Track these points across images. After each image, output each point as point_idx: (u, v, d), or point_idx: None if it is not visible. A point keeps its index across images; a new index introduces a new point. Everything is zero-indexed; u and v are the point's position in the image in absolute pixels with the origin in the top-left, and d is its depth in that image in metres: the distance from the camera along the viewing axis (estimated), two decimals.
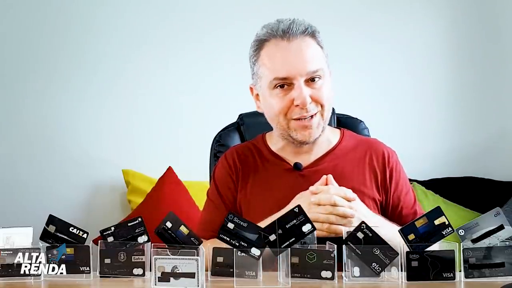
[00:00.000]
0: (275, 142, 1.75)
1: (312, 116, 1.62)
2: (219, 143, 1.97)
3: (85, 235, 1.39)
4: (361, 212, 1.54)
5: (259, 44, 1.66)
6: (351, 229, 1.35)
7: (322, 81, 1.63)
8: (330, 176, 1.58)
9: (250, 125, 1.98)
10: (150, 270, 1.28)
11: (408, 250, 1.32)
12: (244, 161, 1.74)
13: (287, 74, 1.60)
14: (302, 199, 1.55)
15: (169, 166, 3.00)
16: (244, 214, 1.66)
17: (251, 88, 1.74)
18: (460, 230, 1.33)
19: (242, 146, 1.81)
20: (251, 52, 1.69)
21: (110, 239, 1.37)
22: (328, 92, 1.65)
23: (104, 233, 1.37)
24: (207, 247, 1.35)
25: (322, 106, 1.63)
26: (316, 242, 1.37)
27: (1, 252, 1.34)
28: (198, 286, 1.25)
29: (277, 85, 1.62)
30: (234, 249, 1.31)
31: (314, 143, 1.69)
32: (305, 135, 1.64)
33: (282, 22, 1.64)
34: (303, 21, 1.65)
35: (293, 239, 1.33)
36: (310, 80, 1.61)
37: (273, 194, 1.65)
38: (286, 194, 1.65)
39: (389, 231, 1.43)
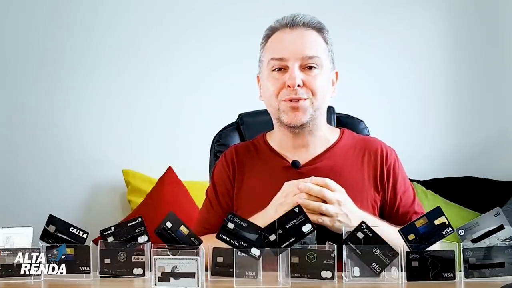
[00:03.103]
0: (275, 139, 1.76)
1: (300, 99, 1.64)
2: (219, 143, 1.97)
3: (85, 235, 1.39)
4: (348, 208, 1.53)
5: (268, 33, 1.72)
6: (351, 229, 1.35)
7: (319, 71, 1.66)
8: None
9: (250, 125, 1.98)
10: (150, 270, 1.28)
11: (408, 250, 1.32)
12: (243, 159, 1.76)
13: (282, 54, 1.65)
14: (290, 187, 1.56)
15: (169, 166, 3.00)
16: (241, 211, 1.66)
17: (257, 78, 1.78)
18: (460, 230, 1.33)
19: (242, 145, 1.83)
20: (261, 41, 1.74)
21: (110, 239, 1.37)
22: (323, 85, 1.67)
23: (104, 233, 1.38)
24: (206, 247, 1.35)
25: (313, 94, 1.65)
26: (316, 242, 1.37)
27: (1, 252, 1.34)
28: (198, 286, 1.25)
29: (274, 67, 1.67)
30: (234, 249, 1.31)
31: (311, 136, 1.70)
32: (291, 116, 1.65)
33: (292, 14, 1.70)
34: (312, 17, 1.70)
35: (293, 239, 1.34)
36: (307, 68, 1.65)
37: (270, 192, 1.64)
38: None
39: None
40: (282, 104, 1.66)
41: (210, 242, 1.38)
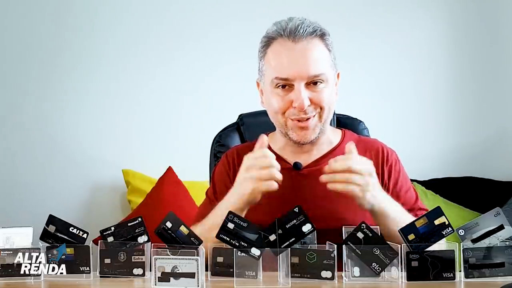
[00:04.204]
0: (276, 141, 1.75)
1: (309, 118, 1.63)
2: (219, 143, 1.97)
3: (85, 235, 1.39)
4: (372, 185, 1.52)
5: (267, 41, 1.65)
6: (351, 229, 1.35)
7: (324, 85, 1.62)
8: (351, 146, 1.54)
9: (250, 125, 1.98)
10: (150, 270, 1.28)
11: (408, 250, 1.32)
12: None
13: (288, 75, 1.60)
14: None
15: (169, 166, 3.00)
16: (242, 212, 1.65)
17: (257, 83, 1.74)
18: (460, 230, 1.33)
19: (243, 146, 1.82)
20: (259, 48, 1.69)
21: (110, 239, 1.37)
22: (329, 96, 1.64)
23: (104, 233, 1.38)
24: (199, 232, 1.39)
25: (321, 108, 1.63)
26: (316, 242, 1.37)
27: (1, 252, 1.34)
28: (198, 286, 1.25)
29: (279, 84, 1.62)
30: (234, 249, 1.31)
31: (315, 143, 1.70)
32: (301, 135, 1.65)
33: (291, 21, 1.62)
34: (313, 23, 1.63)
35: (293, 239, 1.34)
36: (312, 84, 1.61)
37: (271, 194, 1.63)
38: (285, 193, 1.64)
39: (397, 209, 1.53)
40: (290, 122, 1.64)
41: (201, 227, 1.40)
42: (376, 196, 1.50)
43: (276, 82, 1.62)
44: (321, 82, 1.61)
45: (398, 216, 1.52)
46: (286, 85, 1.61)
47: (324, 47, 1.64)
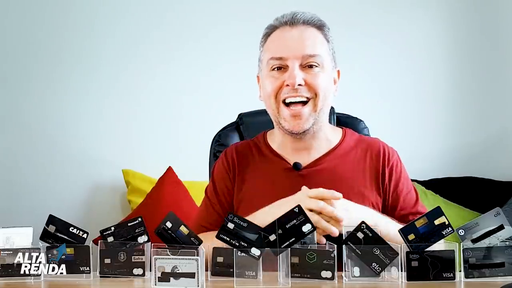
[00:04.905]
0: (275, 139, 1.75)
1: (303, 104, 1.62)
2: (219, 143, 1.97)
3: (85, 235, 1.39)
4: (352, 210, 1.52)
5: (268, 31, 1.69)
6: (351, 229, 1.35)
7: (320, 70, 1.63)
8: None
9: (250, 125, 1.98)
10: (150, 270, 1.28)
11: (408, 250, 1.32)
12: (243, 159, 1.74)
13: (282, 54, 1.62)
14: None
15: (169, 166, 3.00)
16: (241, 212, 1.65)
17: (257, 78, 1.76)
18: (460, 230, 1.33)
19: (242, 144, 1.81)
20: (260, 40, 1.72)
21: (110, 239, 1.37)
22: (326, 83, 1.64)
23: (104, 233, 1.38)
24: (205, 246, 1.35)
25: (316, 94, 1.63)
26: (316, 242, 1.37)
27: (1, 252, 1.34)
28: (198, 286, 1.25)
29: (274, 66, 1.64)
30: (234, 249, 1.31)
31: (312, 137, 1.69)
32: (293, 124, 1.63)
33: (292, 12, 1.67)
34: (313, 14, 1.68)
35: (293, 239, 1.33)
36: (308, 67, 1.62)
37: (271, 193, 1.63)
38: (284, 193, 1.64)
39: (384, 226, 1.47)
40: (283, 109, 1.64)
41: (209, 242, 1.38)
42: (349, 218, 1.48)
43: (271, 63, 1.64)
44: (316, 66, 1.62)
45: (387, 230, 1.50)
46: (281, 66, 1.63)
47: (323, 37, 1.66)
